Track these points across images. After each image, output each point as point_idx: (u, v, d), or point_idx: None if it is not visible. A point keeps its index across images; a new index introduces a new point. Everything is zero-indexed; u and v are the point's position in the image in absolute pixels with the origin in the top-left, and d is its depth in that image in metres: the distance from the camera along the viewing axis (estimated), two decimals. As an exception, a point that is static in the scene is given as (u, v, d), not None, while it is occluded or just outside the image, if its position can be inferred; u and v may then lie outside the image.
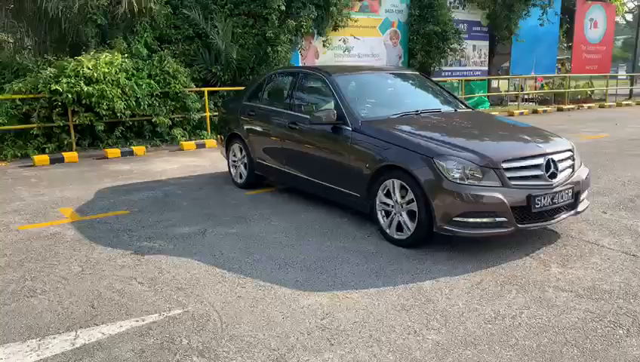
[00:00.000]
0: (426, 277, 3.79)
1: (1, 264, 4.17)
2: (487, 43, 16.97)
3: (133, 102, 9.52)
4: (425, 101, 5.58)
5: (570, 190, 4.29)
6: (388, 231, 4.48)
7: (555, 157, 4.27)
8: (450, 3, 15.49)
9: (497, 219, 3.99)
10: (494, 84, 18.08)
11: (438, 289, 3.60)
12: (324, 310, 3.31)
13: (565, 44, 19.22)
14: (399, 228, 4.38)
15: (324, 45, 13.05)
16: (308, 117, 5.35)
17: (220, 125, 7.19)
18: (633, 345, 2.85)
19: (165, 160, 8.79)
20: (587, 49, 19.11)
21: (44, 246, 4.58)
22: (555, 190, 4.15)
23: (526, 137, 4.65)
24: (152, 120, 10.01)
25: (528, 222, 4.10)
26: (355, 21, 13.43)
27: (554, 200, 4.16)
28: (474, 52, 16.52)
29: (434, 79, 7.53)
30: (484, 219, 4.00)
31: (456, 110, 5.52)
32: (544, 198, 4.09)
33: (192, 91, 10.52)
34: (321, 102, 5.47)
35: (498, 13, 16.05)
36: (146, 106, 9.76)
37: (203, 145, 10.09)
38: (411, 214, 4.27)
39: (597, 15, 19.11)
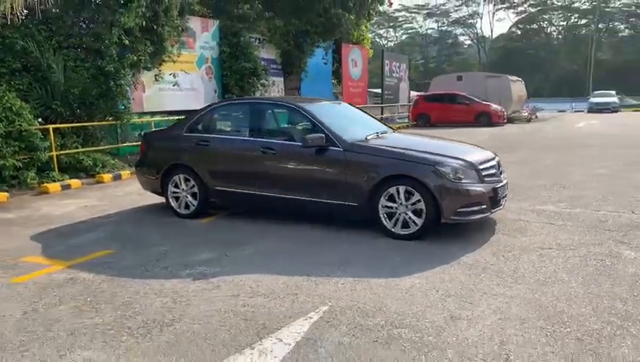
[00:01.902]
0: (457, 256, 4.92)
1: (66, 310, 3.86)
2: (282, 79, 18.85)
3: (-24, 145, 8.32)
4: (373, 125, 6.74)
5: (507, 183, 5.97)
6: (393, 229, 5.48)
7: (498, 160, 5.91)
8: (253, 42, 16.86)
9: (482, 207, 5.40)
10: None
11: (476, 260, 4.79)
12: (429, 286, 4.19)
13: (335, 80, 22.32)
14: (404, 225, 5.43)
15: (155, 79, 13.01)
16: (283, 142, 6.08)
17: (149, 160, 7.09)
18: (625, 266, 4.50)
19: (47, 204, 7.96)
20: (352, 84, 22.66)
21: (81, 291, 4.27)
22: (503, 183, 5.77)
23: (476, 147, 6.20)
24: (-1, 163, 8.81)
25: (494, 208, 5.61)
26: (178, 56, 13.69)
27: (504, 191, 5.77)
28: (273, 86, 18.18)
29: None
30: (475, 208, 5.37)
31: (394, 130, 6.82)
32: (501, 190, 5.66)
33: (38, 129, 9.55)
34: (297, 129, 6.19)
35: (291, 52, 18.08)
36: (-11, 148, 8.59)
37: (68, 186, 9.27)
38: (416, 212, 5.36)
39: (356, 56, 22.86)
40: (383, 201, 5.49)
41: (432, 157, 5.42)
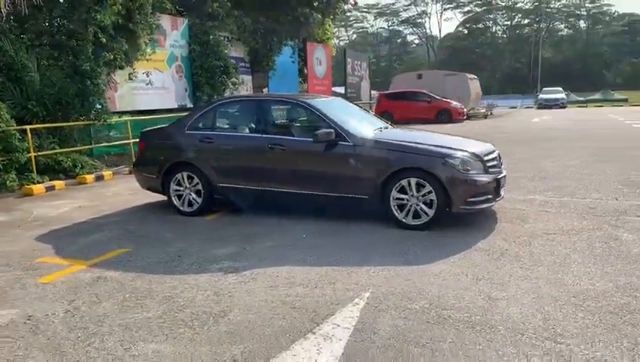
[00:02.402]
0: (472, 243, 5.16)
1: (109, 307, 3.87)
2: (250, 77, 18.82)
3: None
4: (373, 120, 6.93)
5: (505, 174, 6.28)
6: (405, 220, 5.69)
7: (498, 152, 6.22)
8: (222, 40, 16.75)
9: (488, 197, 5.69)
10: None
11: (491, 246, 5.05)
12: (457, 271, 4.41)
13: (301, 79, 22.43)
14: (415, 215, 5.65)
15: (129, 78, 12.76)
16: (292, 138, 6.20)
17: (149, 158, 7.03)
18: (628, 248, 4.87)
19: (36, 206, 7.75)
20: (317, 82, 22.85)
21: (116, 288, 4.27)
22: (504, 174, 6.08)
23: (477, 140, 6.48)
24: (-23, 165, 8.51)
25: (497, 198, 5.90)
26: (151, 54, 13.50)
27: (504, 182, 6.09)
28: (242, 85, 18.13)
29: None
30: (482, 198, 5.64)
31: (393, 126, 7.04)
32: (502, 180, 5.97)
33: (16, 130, 9.26)
34: (305, 125, 6.30)
35: (259, 50, 18.09)
36: (-32, 149, 8.29)
37: (53, 188, 9.03)
38: (427, 203, 5.59)
39: (321, 55, 23.07)
40: (394, 193, 5.68)
41: (441, 150, 5.66)
